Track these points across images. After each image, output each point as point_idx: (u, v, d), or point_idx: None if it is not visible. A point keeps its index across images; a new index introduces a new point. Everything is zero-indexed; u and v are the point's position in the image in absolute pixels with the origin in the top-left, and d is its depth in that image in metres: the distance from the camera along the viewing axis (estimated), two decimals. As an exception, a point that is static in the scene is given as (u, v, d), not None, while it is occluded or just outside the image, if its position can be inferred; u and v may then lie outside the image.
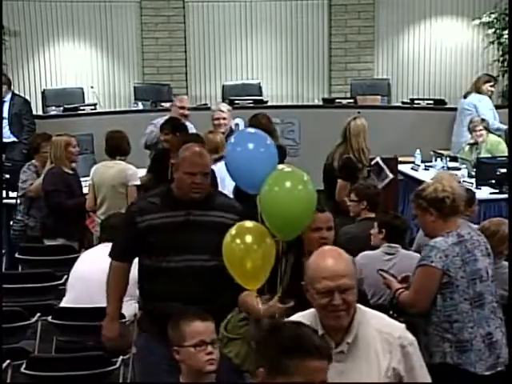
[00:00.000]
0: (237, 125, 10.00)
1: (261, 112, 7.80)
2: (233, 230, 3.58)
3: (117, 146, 6.67)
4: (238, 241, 3.55)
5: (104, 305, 4.84)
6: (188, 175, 3.85)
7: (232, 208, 4.01)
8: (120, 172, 6.55)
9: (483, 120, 8.79)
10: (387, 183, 7.39)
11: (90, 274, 4.96)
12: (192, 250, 3.87)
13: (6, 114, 9.20)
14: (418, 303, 3.84)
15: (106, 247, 5.12)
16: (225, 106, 7.98)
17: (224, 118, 7.64)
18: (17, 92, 10.05)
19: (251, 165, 3.63)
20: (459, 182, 4.12)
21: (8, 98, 9.30)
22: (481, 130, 8.67)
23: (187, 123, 7.81)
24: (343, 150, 6.56)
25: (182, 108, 8.06)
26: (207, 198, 3.95)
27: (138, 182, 6.58)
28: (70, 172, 6.77)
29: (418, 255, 5.03)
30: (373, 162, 7.07)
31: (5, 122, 9.19)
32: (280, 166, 3.74)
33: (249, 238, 3.55)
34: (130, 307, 4.93)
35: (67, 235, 6.59)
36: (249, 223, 3.62)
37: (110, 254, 4.18)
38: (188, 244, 3.86)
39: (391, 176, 7.42)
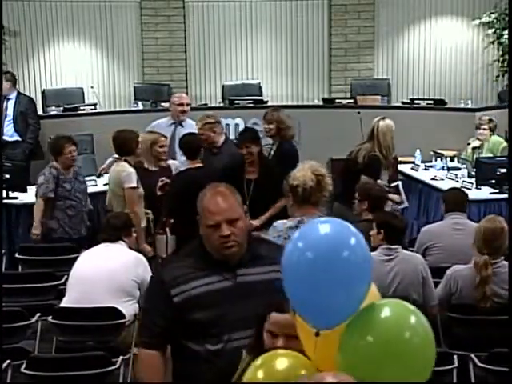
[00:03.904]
0: (237, 125, 10.03)
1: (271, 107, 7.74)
2: (258, 360, 2.30)
3: (126, 146, 6.52)
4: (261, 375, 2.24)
5: (104, 304, 4.85)
6: (211, 229, 2.97)
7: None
8: (116, 174, 6.45)
9: (491, 120, 8.81)
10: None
11: (90, 274, 4.97)
12: (248, 323, 2.75)
13: (10, 111, 9.14)
14: None
15: (107, 247, 5.14)
16: (202, 121, 7.02)
17: (202, 134, 6.84)
18: (17, 92, 10.04)
19: (334, 283, 2.07)
20: (319, 174, 4.21)
21: (14, 95, 9.22)
22: (485, 129, 8.71)
23: (188, 121, 7.72)
24: (370, 147, 6.75)
25: (181, 105, 7.85)
26: (250, 250, 3.06)
27: (133, 184, 6.32)
28: (152, 169, 6.72)
29: (418, 256, 5.06)
30: (392, 184, 6.97)
31: (9, 121, 9.14)
32: (375, 291, 2.36)
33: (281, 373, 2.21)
34: (129, 307, 4.94)
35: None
36: (281, 352, 2.32)
37: (140, 342, 3.17)
38: (243, 316, 2.89)
39: (406, 204, 7.19)
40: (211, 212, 2.96)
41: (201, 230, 3.02)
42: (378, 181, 6.53)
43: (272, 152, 7.07)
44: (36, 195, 6.74)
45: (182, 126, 7.71)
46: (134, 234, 5.45)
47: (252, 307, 2.70)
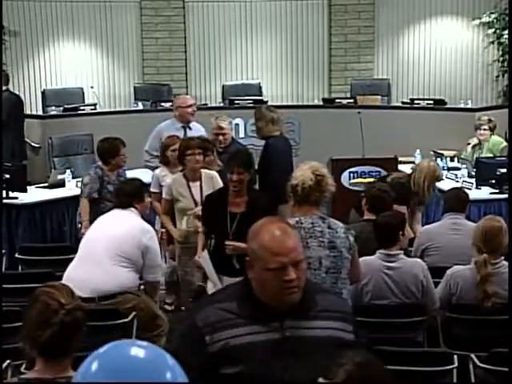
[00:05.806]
0: (237, 125, 10.03)
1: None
2: None
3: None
4: None
5: (101, 266, 4.96)
6: (271, 272, 2.42)
7: (344, 312, 2.60)
8: None
9: (491, 120, 8.80)
10: None
11: (93, 235, 5.13)
12: None
13: None
14: None
15: (116, 213, 5.23)
16: (224, 121, 7.16)
17: (223, 134, 7.03)
18: (16, 92, 10.00)
19: None
20: (319, 174, 4.21)
21: None
22: (485, 129, 8.70)
23: (195, 124, 7.56)
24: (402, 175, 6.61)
25: (189, 107, 7.58)
26: (305, 299, 2.49)
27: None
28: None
29: (419, 263, 4.99)
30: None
31: None
32: None
33: None
34: (128, 274, 4.99)
35: None
36: None
37: None
38: (291, 377, 2.41)
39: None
40: (275, 253, 2.42)
41: (253, 273, 2.47)
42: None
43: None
44: (80, 195, 6.79)
45: (191, 129, 7.50)
46: (148, 199, 5.43)
47: (302, 369, 2.34)
